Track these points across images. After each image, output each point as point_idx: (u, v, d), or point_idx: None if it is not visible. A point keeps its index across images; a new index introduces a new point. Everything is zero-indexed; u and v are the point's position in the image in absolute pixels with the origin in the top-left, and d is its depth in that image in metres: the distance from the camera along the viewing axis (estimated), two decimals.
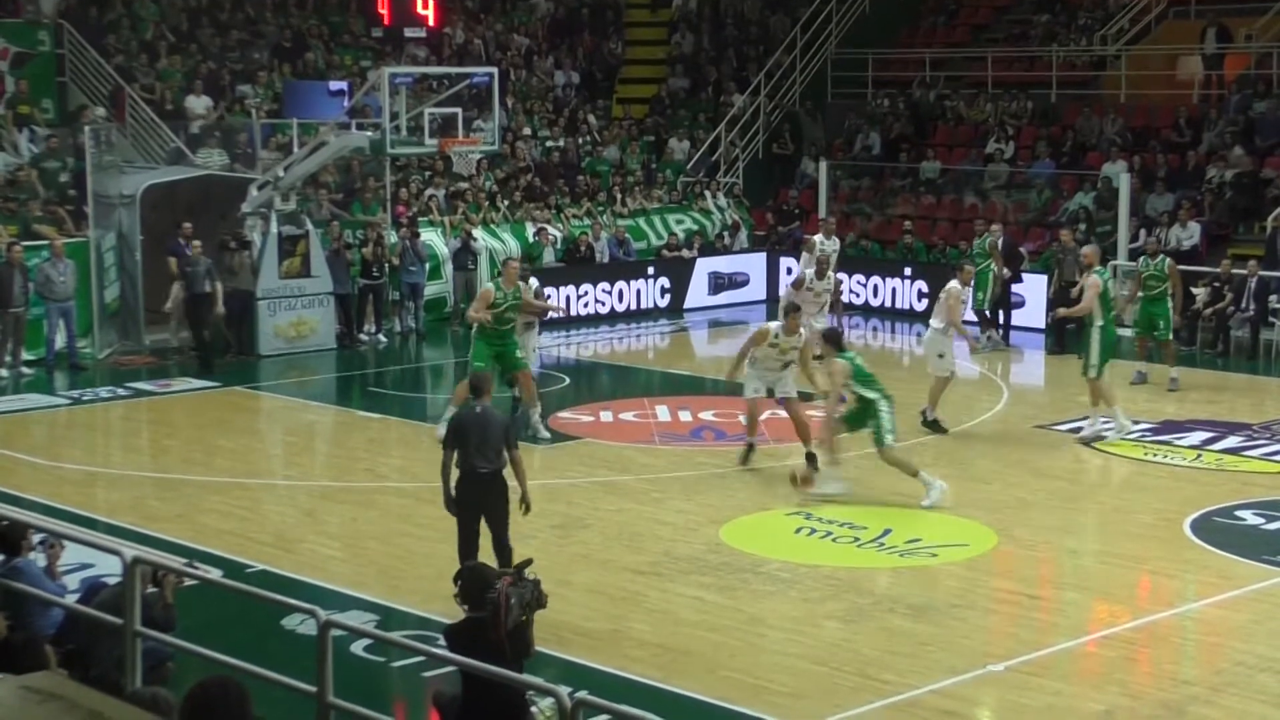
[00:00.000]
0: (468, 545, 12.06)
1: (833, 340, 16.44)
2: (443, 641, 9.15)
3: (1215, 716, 10.55)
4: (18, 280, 21.52)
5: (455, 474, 12.05)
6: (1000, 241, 24.88)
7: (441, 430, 16.76)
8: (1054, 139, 30.01)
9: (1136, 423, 18.82)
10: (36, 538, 10.56)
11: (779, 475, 16.91)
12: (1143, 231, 26.36)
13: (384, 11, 29.51)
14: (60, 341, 22.17)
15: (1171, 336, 21.85)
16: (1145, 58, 31.00)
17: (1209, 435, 18.58)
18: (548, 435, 18.22)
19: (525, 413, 18.39)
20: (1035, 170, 29.61)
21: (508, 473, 12.17)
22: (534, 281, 19.74)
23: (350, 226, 25.57)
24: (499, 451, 11.99)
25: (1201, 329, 24.53)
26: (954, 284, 19.14)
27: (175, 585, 9.56)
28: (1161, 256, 21.97)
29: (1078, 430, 18.69)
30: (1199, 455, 17.77)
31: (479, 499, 12.05)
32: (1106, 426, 18.36)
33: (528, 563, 9.25)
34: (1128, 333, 22.17)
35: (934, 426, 18.66)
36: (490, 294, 17.93)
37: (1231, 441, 18.32)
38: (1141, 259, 22.45)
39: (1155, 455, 17.79)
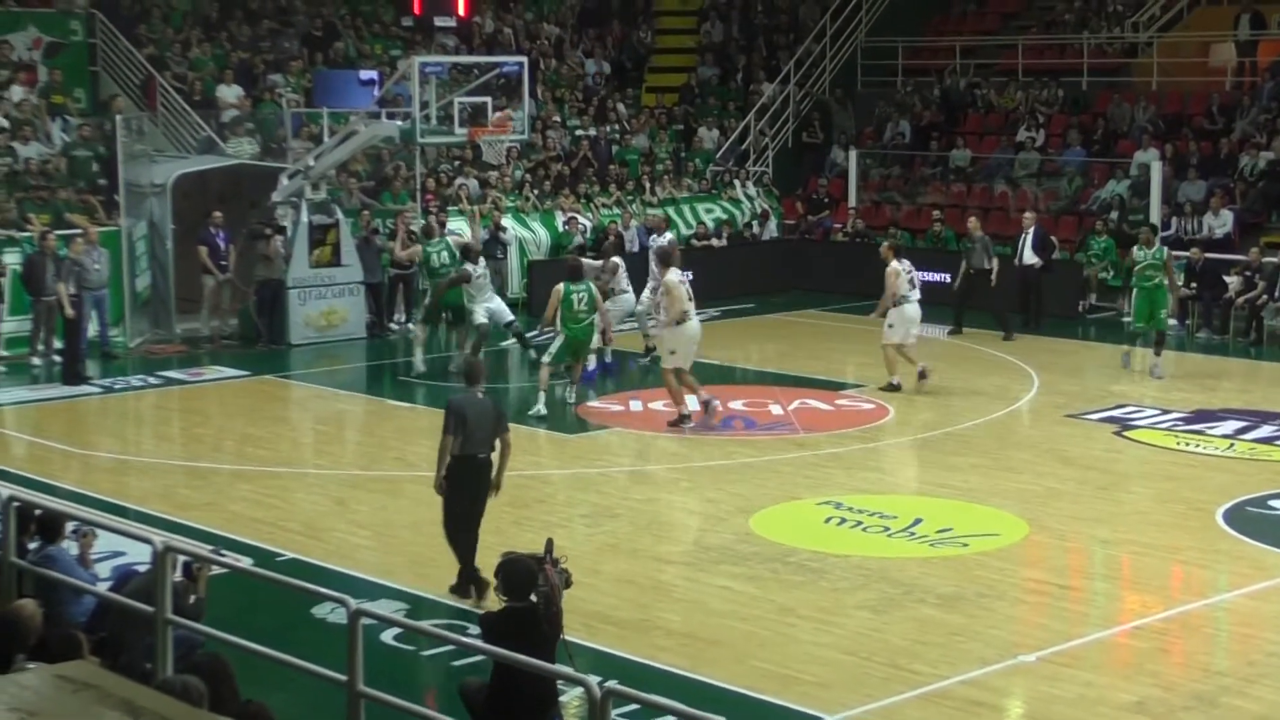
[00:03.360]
0: (458, 526, 12.36)
1: (572, 271, 19.57)
2: (474, 629, 9.15)
3: (1248, 708, 10.49)
4: (50, 269, 21.60)
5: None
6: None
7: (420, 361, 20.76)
8: (1085, 127, 29.89)
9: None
10: (69, 526, 10.61)
11: (809, 465, 16.91)
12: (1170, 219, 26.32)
13: None
14: (92, 330, 22.23)
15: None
16: (1177, 44, 30.85)
17: (1242, 425, 18.49)
18: None
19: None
20: (1066, 158, 29.49)
21: None
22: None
23: (381, 216, 25.61)
24: (494, 438, 12.33)
25: (1234, 318, 24.38)
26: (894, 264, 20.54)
27: (208, 577, 9.59)
28: (1160, 246, 21.74)
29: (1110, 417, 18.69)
30: (1232, 445, 17.68)
31: (475, 484, 12.31)
32: None
33: (551, 543, 9.30)
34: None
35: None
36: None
37: (1264, 431, 18.22)
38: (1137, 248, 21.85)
39: (1188, 445, 17.71)
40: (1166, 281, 21.50)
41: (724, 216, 30.17)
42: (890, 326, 20.44)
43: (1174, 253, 25.65)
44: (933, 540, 14.15)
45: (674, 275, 18.30)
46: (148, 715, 4.90)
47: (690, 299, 18.26)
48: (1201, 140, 28.26)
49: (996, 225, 28.18)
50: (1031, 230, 25.45)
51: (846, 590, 12.77)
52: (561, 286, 19.03)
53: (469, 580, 12.30)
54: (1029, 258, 25.28)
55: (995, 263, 24.57)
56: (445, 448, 12.24)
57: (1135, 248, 22.01)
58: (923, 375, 20.32)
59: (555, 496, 15.68)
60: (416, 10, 29.86)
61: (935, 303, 25.61)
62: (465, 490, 12.30)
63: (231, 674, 7.49)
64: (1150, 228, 22.94)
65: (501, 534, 13.91)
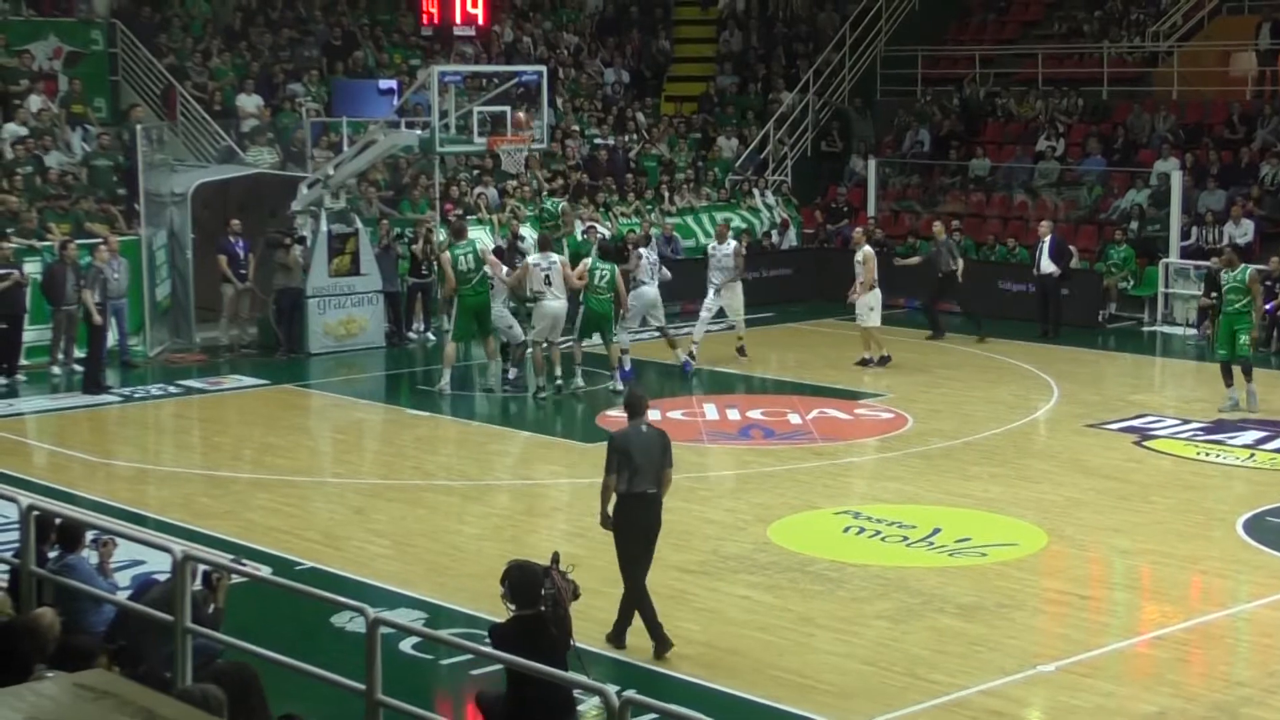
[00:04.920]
0: (638, 569, 11.52)
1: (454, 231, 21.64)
2: (489, 640, 9.16)
3: (1269, 718, 10.46)
4: (71, 278, 21.66)
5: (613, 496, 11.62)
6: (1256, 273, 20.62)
7: (446, 384, 20.66)
8: (1105, 136, 29.82)
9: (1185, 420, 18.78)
10: (89, 535, 10.61)
11: (828, 474, 16.89)
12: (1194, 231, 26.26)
13: (433, 10, 29.47)
14: (112, 339, 22.29)
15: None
16: (1198, 54, 30.76)
17: (1262, 435, 18.42)
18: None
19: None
20: (1086, 167, 29.43)
21: None
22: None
23: (400, 225, 25.64)
24: (660, 472, 11.58)
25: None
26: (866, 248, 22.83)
27: (227, 588, 9.56)
28: (1244, 266, 19.85)
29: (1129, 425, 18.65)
30: (1252, 455, 17.62)
31: (647, 521, 11.56)
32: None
33: (557, 556, 9.30)
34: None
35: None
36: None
37: None
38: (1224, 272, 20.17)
39: (1208, 454, 17.66)
40: (1252, 304, 19.65)
41: (743, 225, 30.13)
42: (871, 310, 22.50)
43: (1196, 263, 25.69)
44: (951, 550, 14.12)
45: (533, 257, 20.84)
46: None
47: (548, 284, 20.41)
48: (1222, 149, 28.18)
49: (1015, 234, 28.14)
50: (1048, 239, 25.43)
51: (865, 600, 12.75)
52: (588, 260, 21.26)
53: (635, 625, 11.55)
54: (1046, 266, 25.28)
55: (961, 263, 24.99)
56: (608, 487, 11.50)
57: (1221, 271, 20.38)
58: (880, 361, 22.57)
59: (572, 505, 15.68)
60: (436, 20, 29.85)
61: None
62: (637, 529, 11.54)
63: (260, 684, 7.45)
64: (1233, 248, 21.70)
65: (518, 543, 13.95)
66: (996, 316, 26.43)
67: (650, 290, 22.03)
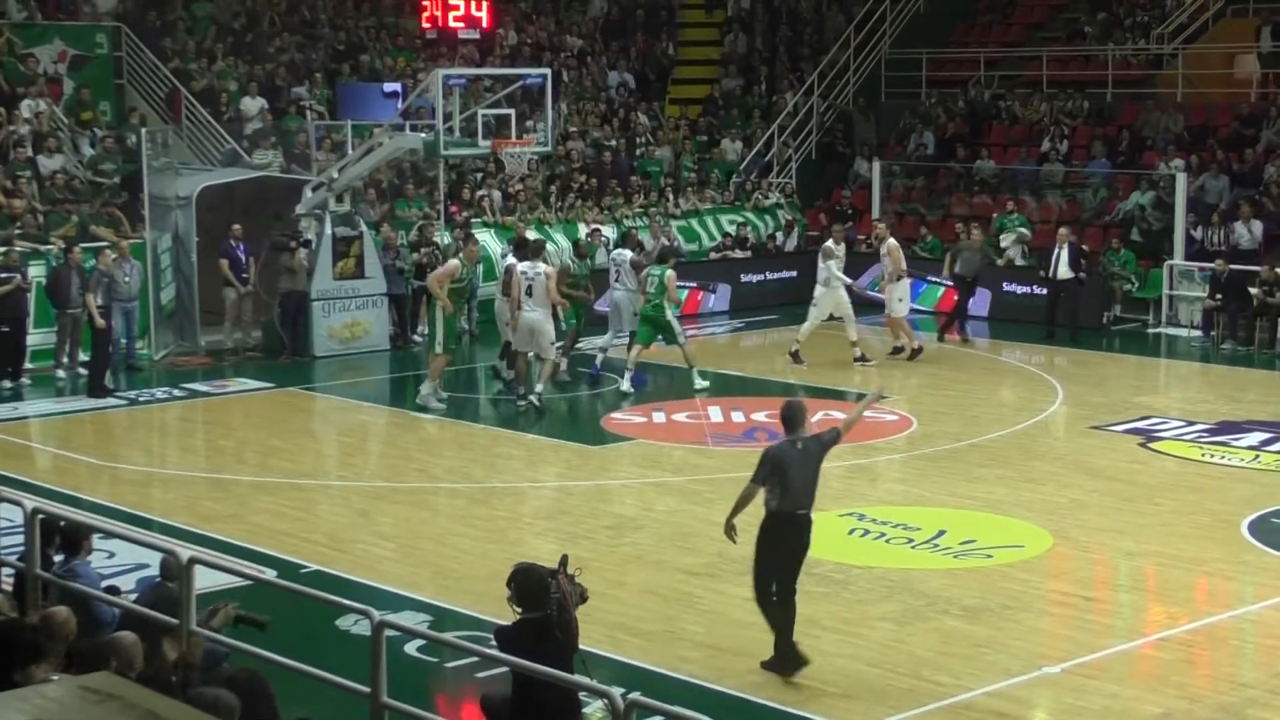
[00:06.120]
0: (769, 587, 11.22)
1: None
2: (494, 642, 9.16)
3: None
4: (75, 281, 21.67)
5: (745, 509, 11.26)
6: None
7: (427, 396, 20.11)
8: (1109, 138, 29.81)
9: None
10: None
11: (833, 476, 16.88)
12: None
13: (437, 14, 29.48)
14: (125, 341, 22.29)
15: None
16: (1202, 56, 30.74)
17: (1267, 436, 18.41)
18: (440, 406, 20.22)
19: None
20: (1091, 169, 29.41)
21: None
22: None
23: (403, 227, 25.63)
24: (815, 490, 11.22)
25: (1259, 329, 24.26)
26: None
27: (226, 620, 9.44)
28: None
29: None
30: (1257, 456, 17.61)
31: (793, 542, 11.18)
32: None
33: (565, 559, 9.31)
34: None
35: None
36: (456, 269, 20.27)
37: None
38: None
39: (1212, 456, 17.65)
40: None
41: (747, 227, 30.13)
42: (900, 300, 23.05)
43: (1200, 265, 25.70)
44: (957, 552, 14.12)
45: (521, 265, 20.15)
46: None
47: (529, 294, 19.88)
48: (1227, 151, 28.15)
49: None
50: (1066, 245, 25.34)
51: (870, 602, 12.75)
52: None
53: (789, 654, 11.13)
54: (1064, 272, 25.20)
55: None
56: (748, 495, 11.11)
57: None
58: (912, 354, 22.94)
59: (579, 508, 15.68)
60: (442, 22, 29.86)
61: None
62: (780, 548, 11.16)
63: (271, 693, 7.42)
64: None
65: (524, 545, 13.95)
66: (1001, 319, 26.52)
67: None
